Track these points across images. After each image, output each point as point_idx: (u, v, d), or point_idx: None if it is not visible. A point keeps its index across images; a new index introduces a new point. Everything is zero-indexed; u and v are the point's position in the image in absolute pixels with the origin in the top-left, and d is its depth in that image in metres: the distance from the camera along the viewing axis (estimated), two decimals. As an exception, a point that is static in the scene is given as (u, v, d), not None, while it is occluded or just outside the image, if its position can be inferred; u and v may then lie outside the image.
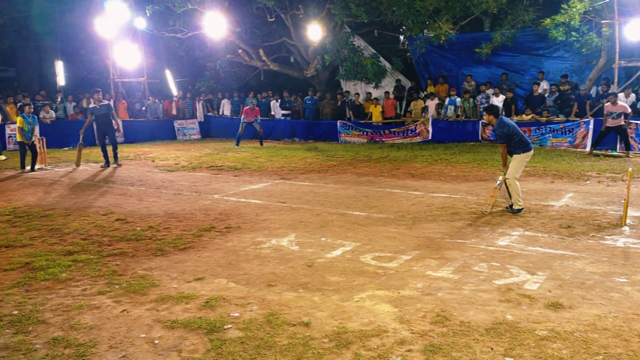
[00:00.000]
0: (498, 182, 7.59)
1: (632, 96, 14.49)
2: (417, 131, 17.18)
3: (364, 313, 4.11)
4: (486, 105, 8.23)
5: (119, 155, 13.30)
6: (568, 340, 3.57)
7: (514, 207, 7.40)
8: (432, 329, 3.80)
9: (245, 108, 17.81)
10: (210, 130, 20.86)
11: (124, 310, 4.26)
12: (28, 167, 12.20)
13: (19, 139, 12.12)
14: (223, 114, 20.74)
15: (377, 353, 3.47)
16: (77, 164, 12.82)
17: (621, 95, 14.36)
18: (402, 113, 18.64)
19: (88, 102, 18.86)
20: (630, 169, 7.33)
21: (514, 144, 7.35)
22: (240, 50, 19.86)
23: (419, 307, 4.19)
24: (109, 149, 12.98)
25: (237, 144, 17.12)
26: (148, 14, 18.29)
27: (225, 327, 3.90)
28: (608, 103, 12.95)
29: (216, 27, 17.90)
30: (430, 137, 16.90)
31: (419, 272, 5.03)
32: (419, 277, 4.90)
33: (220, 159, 13.77)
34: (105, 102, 13.74)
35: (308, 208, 7.92)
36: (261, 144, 17.32)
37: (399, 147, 15.96)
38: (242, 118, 17.60)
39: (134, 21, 18.98)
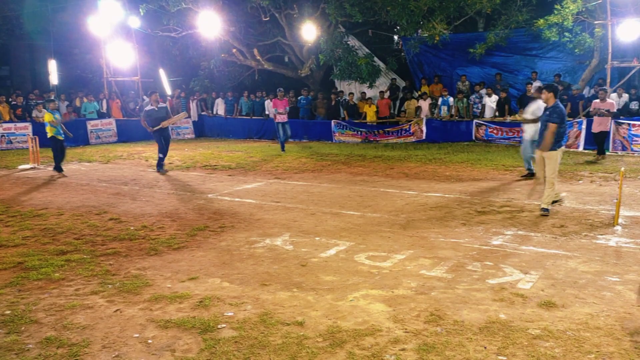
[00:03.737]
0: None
1: (625, 96, 14.57)
2: (411, 131, 17.21)
3: (357, 312, 4.11)
4: (549, 83, 8.14)
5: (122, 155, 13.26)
6: (560, 339, 3.59)
7: (542, 205, 7.33)
8: (425, 328, 3.81)
9: (274, 100, 15.86)
10: (204, 130, 20.81)
11: (117, 310, 4.24)
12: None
13: (50, 134, 11.63)
14: (217, 113, 20.69)
15: (371, 352, 3.48)
16: None
17: (614, 95, 14.44)
18: (397, 113, 18.66)
19: (81, 101, 18.81)
20: (622, 169, 7.37)
21: (557, 133, 7.21)
22: (234, 50, 19.82)
23: (413, 307, 4.20)
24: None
25: (283, 149, 15.23)
26: (142, 13, 18.22)
27: (219, 326, 3.90)
28: (597, 100, 12.99)
29: (210, 26, 17.84)
30: (424, 137, 16.92)
31: (413, 271, 5.05)
32: (413, 276, 4.91)
33: (214, 158, 13.74)
34: (163, 104, 12.51)
35: (302, 207, 7.92)
36: (283, 149, 15.21)
37: (393, 147, 15.99)
38: (274, 115, 15.62)
39: (127, 20, 18.90)
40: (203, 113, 20.98)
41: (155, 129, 11.56)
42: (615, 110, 13.07)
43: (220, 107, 20.61)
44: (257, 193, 9.16)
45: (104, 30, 18.63)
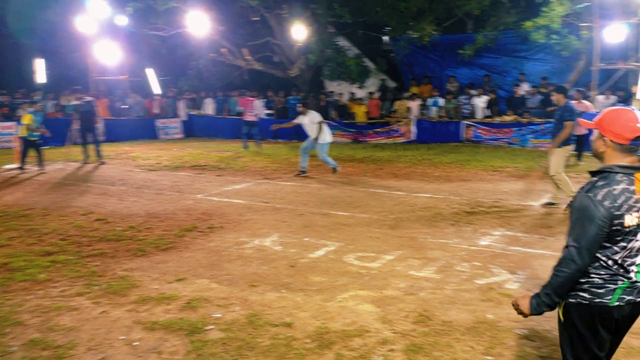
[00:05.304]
0: (542, 165, 8.36)
1: (612, 98, 14.71)
2: (400, 131, 17.25)
3: (346, 313, 4.11)
4: (558, 85, 8.71)
5: (101, 152, 13.21)
6: (547, 338, 3.61)
7: (568, 202, 7.46)
8: (414, 329, 3.81)
9: (242, 99, 16.74)
10: (193, 130, 20.68)
11: (104, 311, 4.20)
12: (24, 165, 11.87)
13: (22, 134, 11.68)
14: (206, 113, 20.60)
15: (359, 353, 3.47)
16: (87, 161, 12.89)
17: (601, 97, 14.58)
18: (387, 113, 18.71)
19: (69, 100, 18.63)
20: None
21: (557, 132, 7.49)
22: (223, 49, 19.75)
23: (402, 307, 4.20)
24: (91, 146, 13.00)
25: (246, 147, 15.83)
26: (130, 12, 18.09)
27: (207, 328, 3.87)
28: (574, 101, 13.09)
29: (199, 25, 17.76)
30: (413, 138, 16.98)
31: (402, 272, 5.05)
32: (402, 277, 4.91)
33: (203, 158, 13.67)
34: (88, 98, 13.59)
35: (291, 208, 7.90)
36: (245, 147, 15.78)
37: (383, 147, 16.01)
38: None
39: (115, 19, 18.75)
40: (192, 113, 20.87)
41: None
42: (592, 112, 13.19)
43: (209, 107, 20.53)
44: (246, 193, 9.12)
45: (91, 28, 18.45)
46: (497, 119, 16.03)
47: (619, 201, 2.17)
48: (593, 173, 2.31)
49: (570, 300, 2.31)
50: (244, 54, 19.62)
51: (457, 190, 9.10)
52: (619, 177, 2.23)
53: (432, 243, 5.99)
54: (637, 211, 2.20)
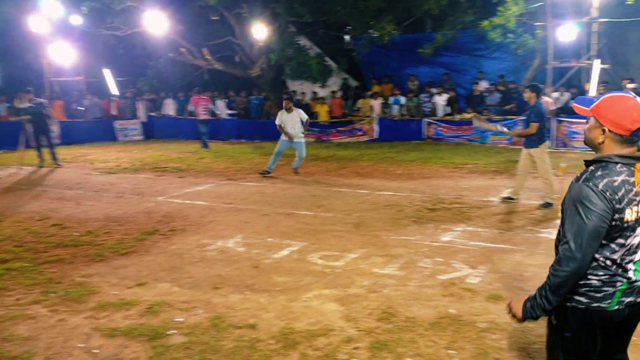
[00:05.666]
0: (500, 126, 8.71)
1: (566, 94, 15.19)
2: (363, 130, 17.38)
3: (310, 313, 4.10)
4: (532, 83, 8.71)
5: (57, 155, 12.83)
6: (506, 330, 3.70)
7: (547, 201, 7.59)
8: (378, 326, 3.84)
9: (194, 97, 16.75)
10: (153, 131, 20.28)
11: (61, 319, 4.07)
12: None
13: None
14: (167, 113, 20.25)
15: (324, 352, 3.47)
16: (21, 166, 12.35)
17: (556, 94, 15.03)
18: (349, 112, 18.80)
19: (23, 102, 18.01)
20: (563, 165, 7.66)
21: (537, 131, 7.56)
22: (182, 49, 19.45)
23: (365, 305, 4.22)
24: (45, 149, 12.59)
25: (205, 146, 16.07)
26: (85, 12, 17.60)
27: (169, 332, 3.80)
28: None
29: (157, 25, 17.42)
30: (376, 136, 17.13)
31: (366, 270, 5.08)
32: (366, 275, 4.94)
33: (164, 160, 13.44)
34: (39, 100, 13.19)
35: (255, 208, 7.85)
36: (205, 146, 16.09)
37: (346, 146, 16.10)
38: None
39: (69, 18, 18.22)
40: (152, 114, 20.48)
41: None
42: (553, 108, 13.65)
43: (170, 108, 20.19)
44: (209, 195, 9.01)
45: (45, 28, 17.88)
46: (458, 117, 16.33)
47: (619, 194, 1.99)
48: (589, 162, 2.12)
49: (566, 304, 2.13)
50: (204, 53, 19.37)
51: (419, 188, 9.23)
52: (618, 167, 2.04)
53: (395, 240, 6.05)
54: (637, 205, 2.03)
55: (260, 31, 17.66)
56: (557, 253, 2.13)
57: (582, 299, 2.10)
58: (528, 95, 7.73)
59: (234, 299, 4.43)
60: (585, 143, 2.23)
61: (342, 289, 4.57)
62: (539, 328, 3.71)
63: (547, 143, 7.89)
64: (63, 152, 15.04)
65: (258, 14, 18.02)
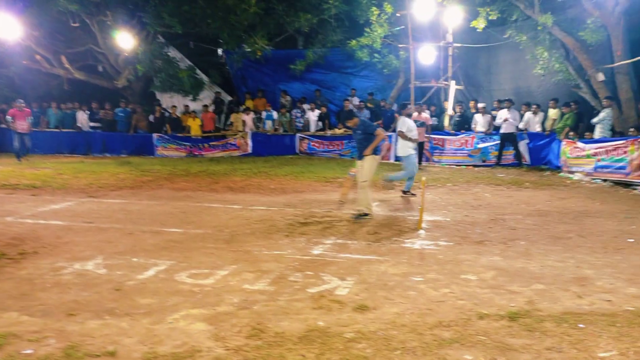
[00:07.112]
0: (351, 173, 8.65)
1: (427, 112, 16.34)
2: (236, 145, 17.24)
3: (176, 334, 3.91)
4: (346, 114, 9.21)
5: None
6: (372, 339, 3.81)
7: (360, 211, 7.76)
8: (247, 343, 3.75)
9: (12, 110, 15.89)
10: (4, 145, 18.31)
11: None
12: None
13: None
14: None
15: (190, 376, 3.31)
16: None
17: (415, 113, 16.12)
18: (223, 127, 18.55)
19: None
20: (424, 179, 8.19)
21: (367, 143, 7.82)
22: (38, 56, 17.92)
23: (235, 322, 4.12)
24: None
25: (19, 159, 15.54)
26: None
27: (13, 368, 3.40)
28: (415, 113, 14.36)
29: (9, 30, 15.89)
30: (250, 151, 17.09)
31: (236, 286, 4.98)
32: (236, 291, 4.84)
33: (15, 176, 12.19)
34: None
35: (119, 227, 7.38)
36: (19, 159, 15.53)
37: (219, 161, 15.83)
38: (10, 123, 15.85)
39: None
40: (2, 126, 18.51)
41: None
42: (430, 123, 14.77)
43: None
44: (66, 214, 8.31)
45: None
46: (329, 132, 16.84)
47: None
48: None
49: None
50: (62, 61, 18.00)
51: (292, 202, 9.31)
52: None
53: (266, 255, 6.02)
54: None
55: (125, 40, 16.84)
56: None
57: None
58: (352, 122, 8.04)
59: (92, 325, 4.09)
60: None
61: (211, 308, 4.43)
62: (401, 335, 3.88)
63: (380, 156, 8.49)
64: None
65: (123, 22, 17.16)
